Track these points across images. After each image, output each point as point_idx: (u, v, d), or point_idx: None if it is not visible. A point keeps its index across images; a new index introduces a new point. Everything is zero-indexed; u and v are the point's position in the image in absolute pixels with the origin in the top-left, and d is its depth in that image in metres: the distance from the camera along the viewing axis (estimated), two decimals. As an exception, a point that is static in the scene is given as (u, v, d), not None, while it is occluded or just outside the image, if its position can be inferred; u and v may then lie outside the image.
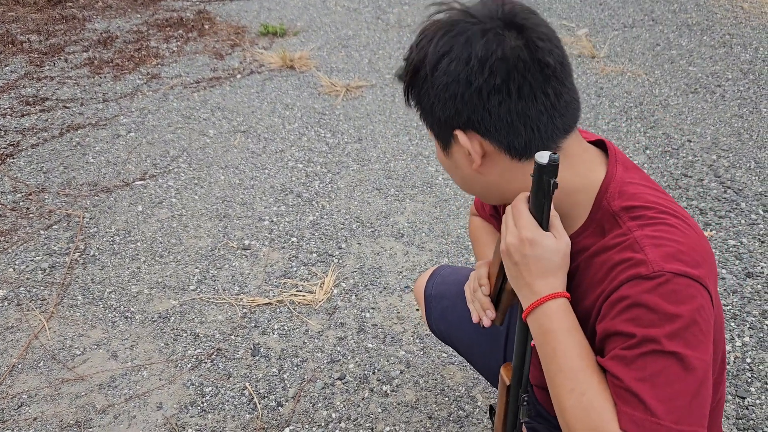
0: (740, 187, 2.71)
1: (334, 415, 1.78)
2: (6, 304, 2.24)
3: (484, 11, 0.84)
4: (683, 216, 0.86)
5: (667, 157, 2.96)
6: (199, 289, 2.27)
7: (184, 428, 1.76)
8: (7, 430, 1.79)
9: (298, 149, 3.17)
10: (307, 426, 1.75)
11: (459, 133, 0.86)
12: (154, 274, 2.36)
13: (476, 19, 0.83)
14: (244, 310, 2.16)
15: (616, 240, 0.84)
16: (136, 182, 2.92)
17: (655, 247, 0.79)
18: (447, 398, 1.81)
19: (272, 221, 2.62)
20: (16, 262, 2.43)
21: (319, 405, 1.81)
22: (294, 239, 2.51)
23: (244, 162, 3.07)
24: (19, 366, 1.99)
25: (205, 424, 1.77)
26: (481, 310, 1.05)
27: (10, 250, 2.50)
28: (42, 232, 2.59)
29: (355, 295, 2.21)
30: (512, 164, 0.87)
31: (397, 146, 3.17)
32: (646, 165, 2.91)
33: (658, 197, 0.87)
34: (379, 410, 1.79)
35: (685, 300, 0.76)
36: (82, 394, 1.89)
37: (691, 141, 3.10)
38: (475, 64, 0.81)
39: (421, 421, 1.75)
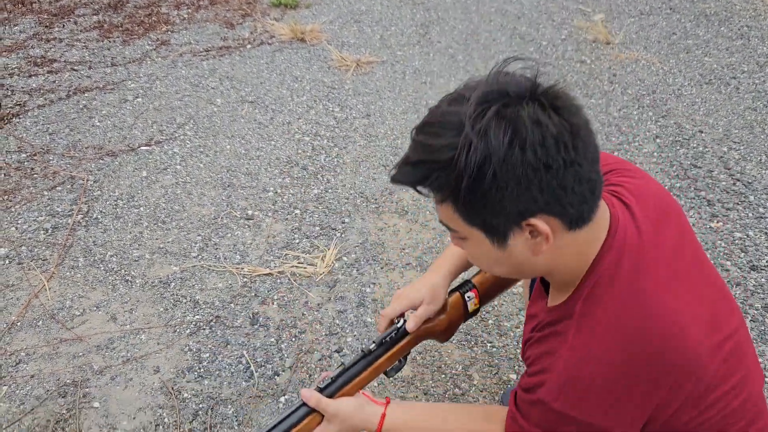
0: (750, 180, 2.68)
1: (330, 386, 1.78)
2: (7, 262, 2.24)
3: (513, 83, 0.81)
4: (630, 341, 0.86)
5: (678, 147, 2.93)
6: (200, 257, 2.26)
7: (180, 392, 1.77)
8: (5, 386, 1.80)
9: (305, 122, 3.15)
10: (302, 396, 1.75)
11: (536, 221, 0.82)
12: (156, 239, 2.35)
13: (517, 94, 0.80)
14: (245, 280, 2.16)
15: (555, 341, 0.93)
16: (142, 147, 2.90)
17: (563, 384, 0.89)
18: (443, 375, 1.81)
19: (276, 192, 2.61)
20: (19, 222, 2.42)
21: (316, 376, 1.81)
22: (297, 211, 2.50)
23: (251, 132, 3.05)
24: (18, 324, 1.99)
25: (201, 390, 1.78)
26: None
27: (13, 210, 2.49)
28: (46, 192, 2.59)
29: (357, 270, 2.21)
30: (567, 236, 0.86)
31: (405, 123, 3.15)
32: (655, 154, 2.88)
33: (627, 310, 0.87)
34: (375, 384, 1.78)
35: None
36: (80, 354, 1.89)
37: (702, 132, 3.07)
38: (551, 144, 0.78)
39: (416, 396, 1.74)
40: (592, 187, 0.83)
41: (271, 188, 2.64)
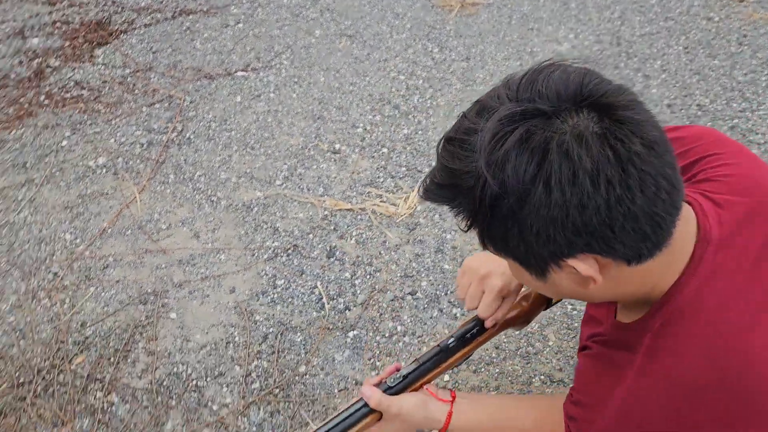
0: None
1: (399, 328, 1.75)
2: (104, 171, 2.32)
3: (552, 93, 0.65)
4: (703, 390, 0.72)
5: (809, 120, 2.64)
6: (284, 185, 2.26)
7: (252, 314, 1.79)
8: (92, 287, 1.88)
9: (402, 60, 3.05)
10: (371, 333, 1.74)
11: (575, 263, 0.69)
12: (244, 164, 2.37)
13: (553, 109, 0.64)
14: (326, 212, 2.14)
15: (612, 372, 0.83)
16: (238, 73, 2.91)
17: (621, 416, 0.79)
18: (518, 332, 1.73)
19: (365, 129, 2.56)
20: (118, 134, 2.50)
21: (386, 316, 1.79)
22: (385, 150, 2.45)
23: (346, 66, 2.99)
24: (109, 231, 2.07)
25: (273, 314, 1.79)
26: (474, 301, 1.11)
27: (113, 122, 2.58)
28: (144, 108, 2.65)
29: (439, 215, 2.14)
30: (627, 270, 0.71)
31: (506, 70, 2.99)
32: (781, 125, 2.60)
33: (702, 358, 0.72)
34: (446, 331, 1.74)
35: None
36: (163, 266, 1.95)
37: (840, 106, 2.74)
38: (584, 182, 0.62)
39: (486, 349, 1.69)
40: (656, 222, 0.66)
41: (361, 124, 2.59)
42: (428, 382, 1.06)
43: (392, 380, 1.03)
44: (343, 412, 1.02)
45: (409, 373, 1.04)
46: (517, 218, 0.66)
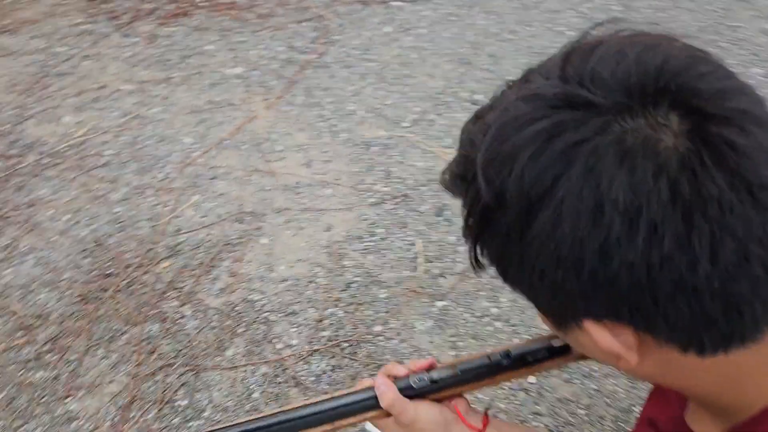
0: None
1: (494, 310, 1.56)
2: (238, 82, 2.29)
3: (613, 77, 0.41)
4: None
5: None
6: (411, 129, 2.09)
7: (341, 258, 1.68)
8: (196, 195, 1.86)
9: (575, 14, 2.71)
10: (461, 309, 1.56)
11: (592, 327, 0.46)
12: (376, 99, 2.22)
13: (607, 101, 0.40)
14: (446, 166, 1.96)
15: None
16: (394, 2, 2.74)
17: None
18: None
19: (514, 84, 2.30)
20: (260, 47, 2.45)
21: (482, 294, 1.59)
22: (530, 110, 2.19)
23: (511, 12, 2.71)
24: (226, 142, 2.04)
25: (363, 264, 1.66)
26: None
27: (259, 34, 2.53)
28: (291, 25, 2.58)
29: (572, 194, 1.87)
30: (682, 359, 0.46)
31: (696, 44, 2.56)
32: None
33: None
34: (544, 327, 1.51)
35: None
36: (267, 188, 1.88)
37: None
38: (614, 221, 0.40)
39: (580, 384, 1.44)
40: (734, 306, 0.42)
41: (511, 77, 2.33)
42: (459, 394, 0.84)
43: (417, 380, 0.81)
44: (345, 396, 0.82)
45: (440, 379, 0.81)
46: (515, 245, 0.45)
